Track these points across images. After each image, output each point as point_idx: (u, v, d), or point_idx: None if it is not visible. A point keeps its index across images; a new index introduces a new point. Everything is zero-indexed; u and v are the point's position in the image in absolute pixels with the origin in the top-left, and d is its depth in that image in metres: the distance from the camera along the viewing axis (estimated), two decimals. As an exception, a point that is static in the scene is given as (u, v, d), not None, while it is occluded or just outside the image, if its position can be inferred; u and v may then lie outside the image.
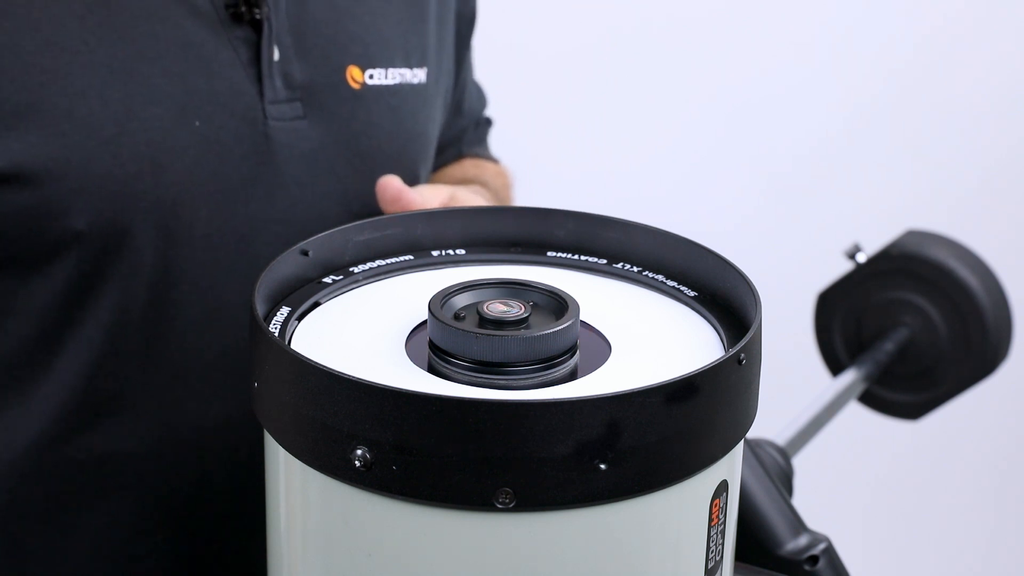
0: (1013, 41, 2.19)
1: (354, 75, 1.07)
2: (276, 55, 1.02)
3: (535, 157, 2.02)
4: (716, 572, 0.75)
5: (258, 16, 1.01)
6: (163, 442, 1.03)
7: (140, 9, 0.97)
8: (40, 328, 1.00)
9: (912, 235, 1.40)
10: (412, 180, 1.11)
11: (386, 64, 1.09)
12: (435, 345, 0.75)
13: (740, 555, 0.94)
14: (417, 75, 1.12)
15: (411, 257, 0.87)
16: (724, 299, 0.82)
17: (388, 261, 0.86)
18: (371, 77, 1.08)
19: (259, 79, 1.01)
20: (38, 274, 0.98)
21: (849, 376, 1.36)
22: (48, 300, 0.99)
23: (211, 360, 1.03)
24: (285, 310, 0.80)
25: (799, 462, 1.20)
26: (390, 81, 1.09)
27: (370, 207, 1.05)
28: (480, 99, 1.32)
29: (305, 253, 0.82)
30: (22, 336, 1.00)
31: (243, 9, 1.01)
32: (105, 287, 0.99)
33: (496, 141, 1.37)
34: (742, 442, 0.75)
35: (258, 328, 0.73)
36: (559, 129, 2.13)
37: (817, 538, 0.97)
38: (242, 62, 1.01)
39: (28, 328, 1.00)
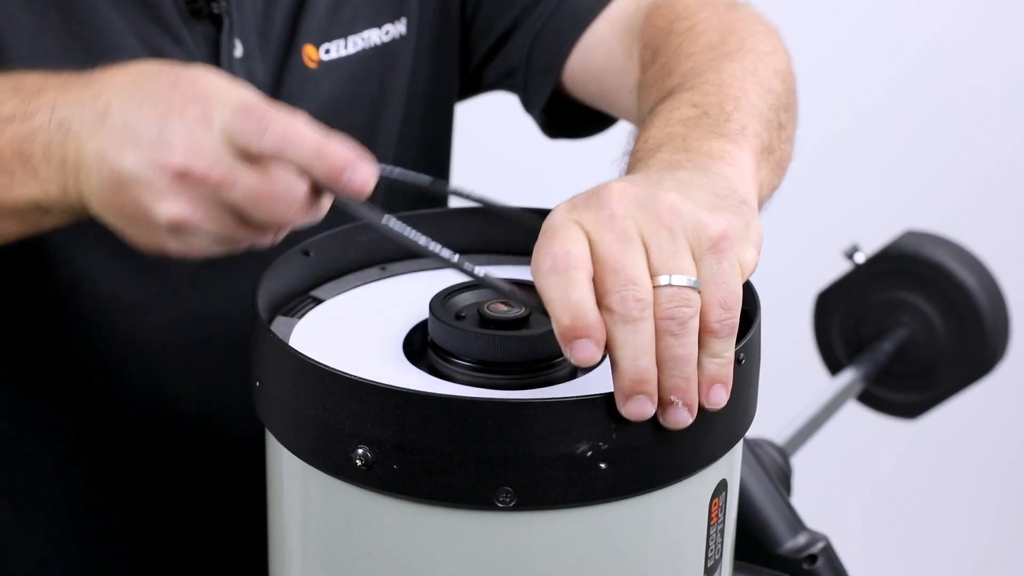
0: (1013, 42, 2.19)
1: (310, 55, 1.01)
2: (239, 51, 0.98)
3: (536, 157, 2.02)
4: (715, 571, 0.75)
5: (216, 11, 0.97)
6: (158, 417, 1.02)
7: (99, 3, 0.93)
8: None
9: (911, 236, 1.41)
10: (386, 147, 1.05)
11: (344, 33, 1.03)
12: (436, 345, 0.75)
13: (739, 554, 0.94)
14: (390, 31, 1.05)
15: (410, 257, 0.87)
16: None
17: (387, 260, 0.87)
18: (327, 52, 1.02)
19: None
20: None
21: (848, 376, 1.37)
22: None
23: (205, 336, 1.01)
24: (285, 309, 0.80)
25: (798, 461, 1.21)
26: (350, 50, 1.03)
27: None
28: None
29: (307, 253, 0.83)
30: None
31: (201, 3, 0.97)
32: (72, 269, 0.97)
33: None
34: (741, 441, 0.76)
35: (260, 328, 0.74)
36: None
37: (816, 537, 0.97)
38: (199, 59, 0.96)
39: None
